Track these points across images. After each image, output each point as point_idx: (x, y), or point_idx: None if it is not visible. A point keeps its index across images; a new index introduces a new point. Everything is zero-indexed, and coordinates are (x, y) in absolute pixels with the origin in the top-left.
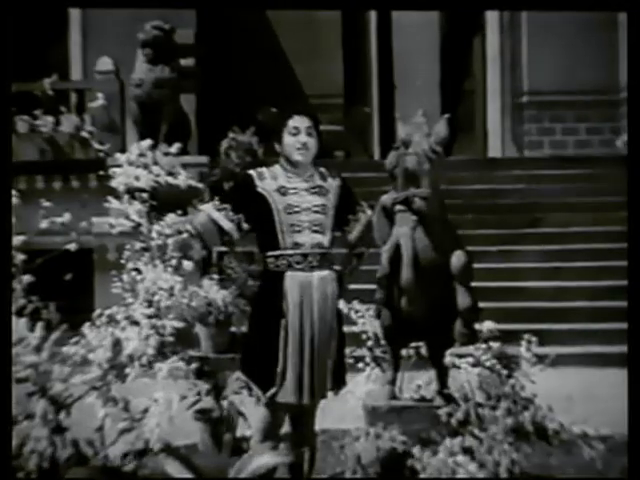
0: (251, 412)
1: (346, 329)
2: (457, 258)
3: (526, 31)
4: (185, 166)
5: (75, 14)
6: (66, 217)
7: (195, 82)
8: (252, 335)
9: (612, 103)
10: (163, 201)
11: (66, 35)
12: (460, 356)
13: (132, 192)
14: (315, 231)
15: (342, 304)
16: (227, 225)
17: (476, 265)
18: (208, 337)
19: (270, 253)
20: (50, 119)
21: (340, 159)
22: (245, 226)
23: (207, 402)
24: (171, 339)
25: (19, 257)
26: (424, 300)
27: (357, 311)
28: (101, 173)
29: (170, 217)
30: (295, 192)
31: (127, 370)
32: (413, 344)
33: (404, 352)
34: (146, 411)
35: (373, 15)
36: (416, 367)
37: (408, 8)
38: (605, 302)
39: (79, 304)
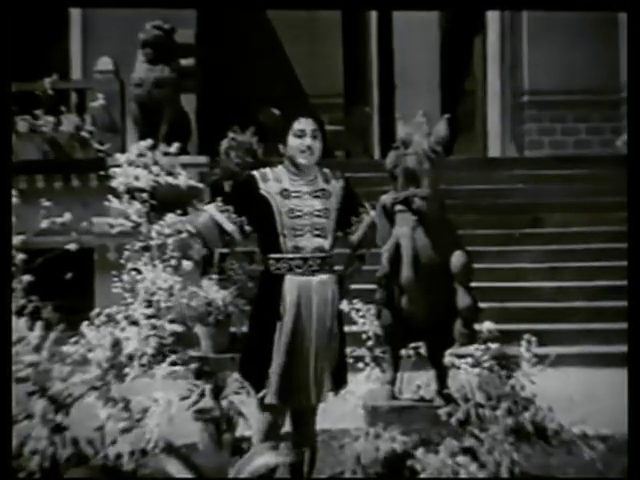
0: (251, 412)
1: (346, 329)
2: (457, 258)
3: (526, 31)
4: (185, 166)
5: (75, 14)
6: (66, 217)
7: (195, 82)
8: (251, 336)
9: (612, 103)
10: (163, 201)
11: (66, 35)
12: (460, 356)
13: (132, 192)
14: (317, 235)
15: (344, 304)
16: (229, 227)
17: (476, 265)
18: (208, 337)
19: (271, 256)
20: (50, 119)
21: (340, 159)
22: (247, 228)
23: (207, 402)
24: (171, 339)
25: (19, 257)
26: (424, 300)
27: (358, 310)
28: (101, 173)
29: (170, 217)
30: (298, 195)
31: (126, 370)
32: (413, 344)
33: (404, 352)
34: (146, 411)
35: (373, 15)
36: (416, 367)
37: (409, 8)
38: (605, 302)
39: (79, 304)
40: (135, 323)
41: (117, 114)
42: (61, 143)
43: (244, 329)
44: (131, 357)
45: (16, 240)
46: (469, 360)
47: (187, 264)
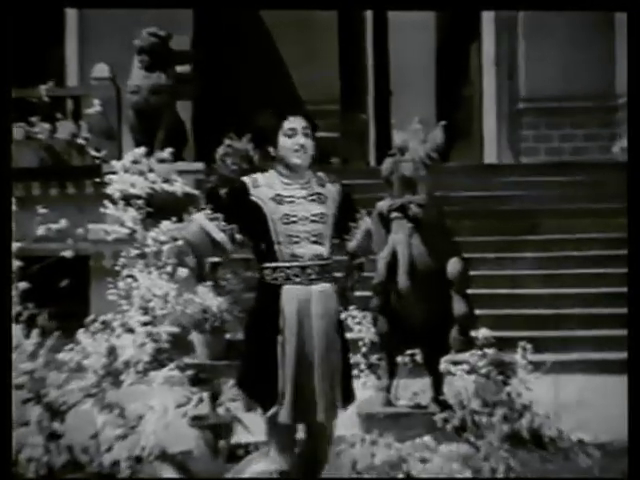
0: (247, 419)
1: None
2: (453, 265)
3: (523, 37)
4: (181, 173)
5: (71, 20)
6: (62, 224)
7: (191, 89)
8: (249, 351)
9: (609, 109)
10: (159, 208)
11: (62, 41)
12: (456, 363)
13: (128, 199)
14: (314, 242)
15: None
16: (219, 236)
17: (473, 272)
18: (203, 344)
19: (267, 265)
20: (46, 126)
21: (336, 165)
22: (239, 237)
23: (203, 409)
24: (167, 346)
25: (15, 264)
26: (420, 307)
27: (354, 317)
28: (97, 180)
29: (165, 224)
30: (292, 201)
31: (122, 377)
32: (409, 351)
33: (400, 359)
34: (141, 418)
35: (369, 21)
36: (412, 374)
37: (409, 8)
38: (602, 309)
39: (75, 311)
40: (131, 330)
41: (113, 121)
42: (57, 150)
43: (240, 336)
44: (127, 364)
45: (13, 247)
46: (465, 367)
47: (182, 271)
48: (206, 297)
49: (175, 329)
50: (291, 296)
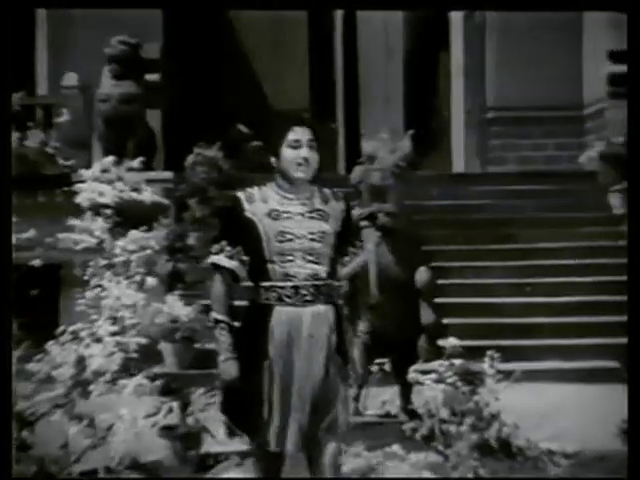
0: (216, 428)
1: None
2: (421, 274)
3: (491, 46)
4: (150, 182)
5: (42, 29)
6: (31, 233)
7: (161, 97)
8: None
9: (577, 119)
10: (128, 217)
11: (32, 50)
12: (424, 372)
13: (97, 208)
14: (310, 260)
15: None
16: (230, 264)
17: (443, 281)
18: (173, 353)
19: (260, 284)
20: (16, 134)
21: None
22: (246, 259)
23: (172, 418)
24: (136, 356)
25: None
26: (389, 316)
27: None
28: (66, 189)
29: (133, 233)
30: (289, 217)
31: (91, 387)
32: (377, 360)
33: (369, 368)
34: (111, 428)
35: (339, 31)
36: (380, 383)
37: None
38: (572, 318)
39: (45, 321)
40: (99, 340)
41: (83, 130)
42: (27, 159)
43: (209, 345)
44: (96, 374)
45: None
46: (433, 376)
47: (151, 280)
48: (175, 307)
49: (144, 339)
50: (282, 318)
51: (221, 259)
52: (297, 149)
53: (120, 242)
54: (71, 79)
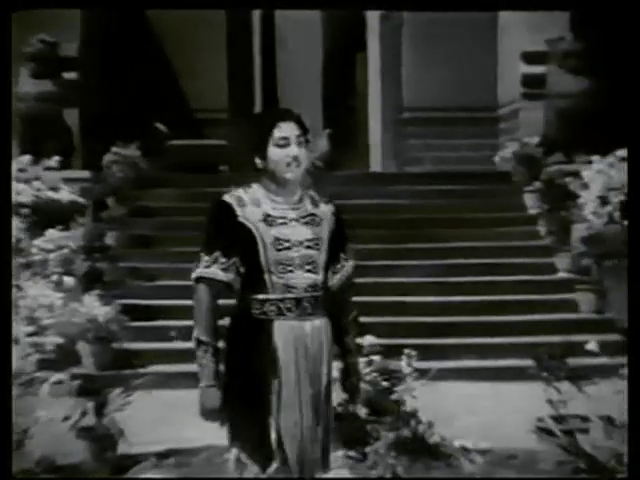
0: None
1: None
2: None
3: (408, 47)
4: (67, 181)
5: None
6: None
7: (79, 96)
8: (239, 400)
9: (492, 119)
10: (45, 216)
11: None
12: None
13: (14, 207)
14: (308, 270)
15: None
16: (226, 277)
17: (361, 280)
18: (90, 354)
19: (254, 297)
20: None
21: (225, 173)
22: (242, 270)
23: (89, 420)
24: (52, 356)
25: None
26: None
27: None
28: None
29: (50, 232)
30: (284, 222)
31: None
32: None
33: None
34: (28, 430)
35: (257, 30)
36: None
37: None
38: (488, 317)
39: None
40: (15, 341)
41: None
42: None
43: (127, 346)
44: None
45: None
46: None
47: (68, 280)
48: (92, 307)
49: (61, 339)
50: (286, 333)
51: (216, 272)
52: (285, 147)
53: (37, 241)
54: None
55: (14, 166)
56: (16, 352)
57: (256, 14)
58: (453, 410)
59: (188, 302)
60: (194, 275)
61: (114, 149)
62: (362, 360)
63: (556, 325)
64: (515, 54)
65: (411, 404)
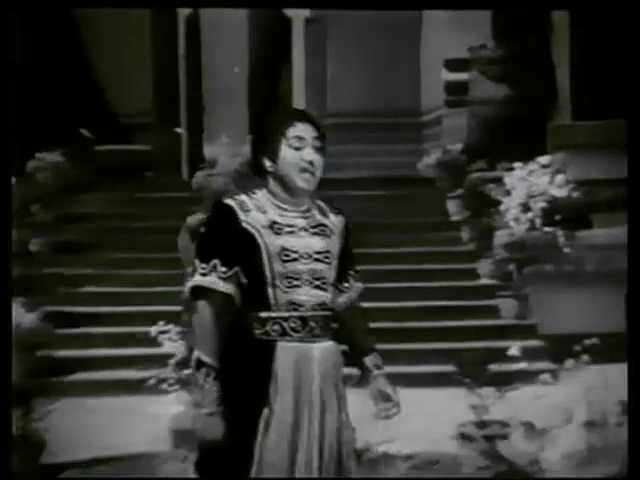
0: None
1: (152, 351)
2: None
3: (331, 53)
4: None
5: None
6: None
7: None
8: (230, 428)
9: (415, 126)
10: None
11: None
12: None
13: None
14: (317, 286)
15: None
16: (225, 288)
17: None
18: (14, 362)
19: (255, 314)
20: None
21: (150, 179)
22: (244, 282)
23: (13, 428)
24: None
25: None
26: None
27: (163, 332)
28: None
29: None
30: (291, 231)
31: None
32: None
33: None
34: None
35: (182, 33)
36: None
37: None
38: (415, 322)
39: None
40: None
41: None
42: None
43: (54, 354)
44: None
45: None
46: None
47: None
48: (17, 313)
49: None
50: (288, 357)
51: (215, 282)
52: (301, 150)
53: None
54: None
55: None
56: None
57: (182, 17)
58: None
59: (115, 309)
60: (190, 284)
61: (38, 155)
62: None
63: (478, 331)
64: (438, 61)
65: None
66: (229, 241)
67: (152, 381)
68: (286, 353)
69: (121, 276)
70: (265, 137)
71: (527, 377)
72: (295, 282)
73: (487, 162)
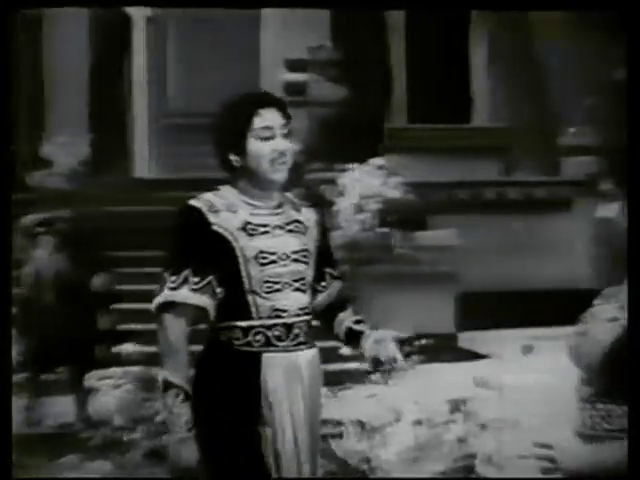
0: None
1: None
2: (98, 280)
3: (173, 50)
4: None
5: None
6: None
7: None
8: (222, 450)
9: None
10: None
11: None
12: (100, 379)
13: None
14: (297, 289)
15: None
16: (201, 301)
17: (127, 287)
18: None
19: (234, 324)
20: None
21: None
22: (219, 291)
23: None
24: None
25: None
26: (65, 323)
27: None
28: None
29: None
30: (266, 231)
31: None
32: (55, 369)
33: (44, 377)
34: None
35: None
36: (56, 392)
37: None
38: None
39: None
40: None
41: None
42: None
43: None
44: None
45: None
46: (110, 382)
47: None
48: None
49: None
50: (277, 368)
51: (187, 295)
52: (269, 140)
53: None
54: None
55: None
56: None
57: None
58: None
59: None
60: (158, 301)
61: None
62: (120, 370)
63: None
64: (279, 61)
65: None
66: (199, 248)
67: None
68: (273, 365)
69: None
70: (227, 130)
71: (359, 376)
72: (275, 286)
73: (325, 163)
